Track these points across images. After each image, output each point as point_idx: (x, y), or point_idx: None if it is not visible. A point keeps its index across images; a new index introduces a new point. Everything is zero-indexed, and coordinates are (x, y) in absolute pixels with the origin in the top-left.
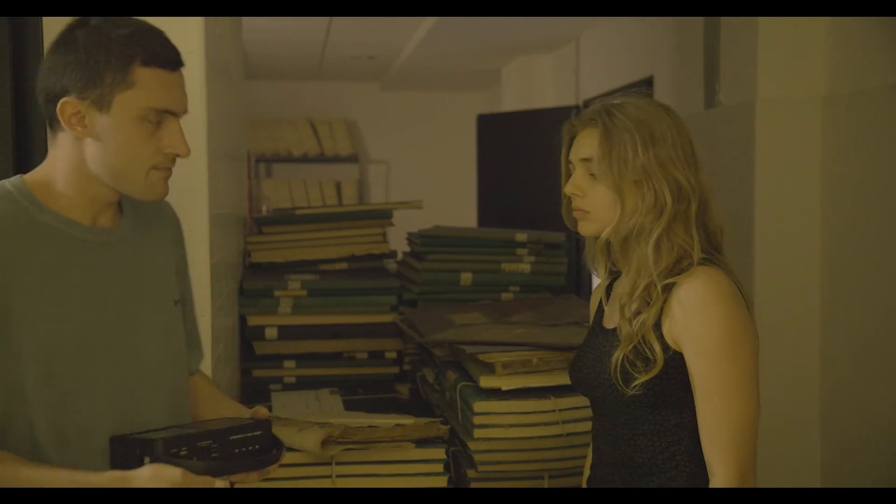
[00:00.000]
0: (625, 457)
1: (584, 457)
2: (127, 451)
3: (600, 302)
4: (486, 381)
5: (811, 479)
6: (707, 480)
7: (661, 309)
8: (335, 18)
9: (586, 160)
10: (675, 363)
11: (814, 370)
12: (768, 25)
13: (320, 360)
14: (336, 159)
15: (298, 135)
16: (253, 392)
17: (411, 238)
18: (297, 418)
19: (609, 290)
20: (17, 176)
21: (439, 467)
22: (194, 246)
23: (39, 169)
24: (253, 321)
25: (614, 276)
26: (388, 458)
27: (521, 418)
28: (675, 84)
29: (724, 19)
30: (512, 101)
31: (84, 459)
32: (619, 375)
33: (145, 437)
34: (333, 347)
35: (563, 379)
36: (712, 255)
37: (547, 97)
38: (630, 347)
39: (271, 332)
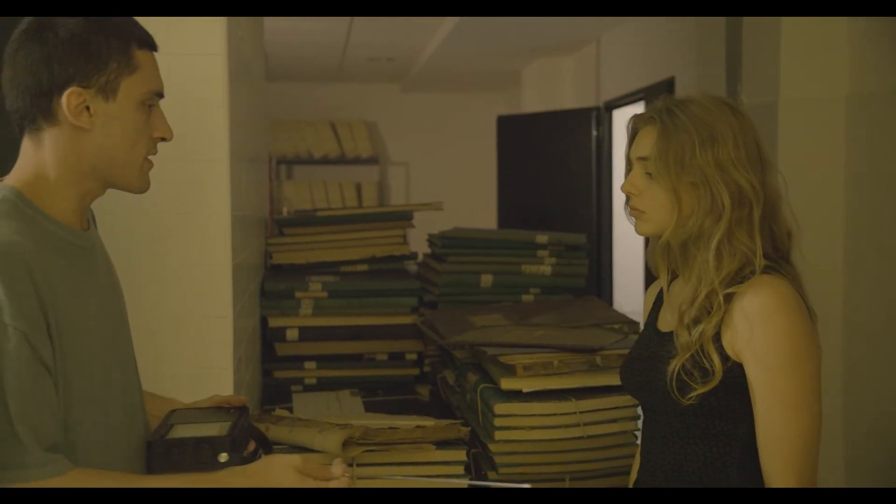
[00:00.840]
0: (674, 464)
1: (606, 459)
2: (189, 452)
3: (654, 302)
4: (506, 383)
5: (835, 477)
6: None
7: (722, 319)
8: (356, 20)
9: (643, 159)
10: (734, 374)
11: (836, 368)
12: (791, 25)
13: (341, 361)
14: (356, 161)
15: (319, 136)
16: (275, 393)
17: (432, 240)
18: (318, 419)
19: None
20: (8, 185)
21: (460, 469)
22: (216, 248)
23: (21, 171)
24: (274, 322)
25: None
26: (409, 460)
27: (542, 420)
28: (696, 85)
29: (746, 19)
30: (532, 102)
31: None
32: (674, 385)
33: (208, 436)
34: (354, 349)
35: (585, 381)
36: (777, 262)
37: (567, 98)
38: (687, 356)
39: (292, 334)
